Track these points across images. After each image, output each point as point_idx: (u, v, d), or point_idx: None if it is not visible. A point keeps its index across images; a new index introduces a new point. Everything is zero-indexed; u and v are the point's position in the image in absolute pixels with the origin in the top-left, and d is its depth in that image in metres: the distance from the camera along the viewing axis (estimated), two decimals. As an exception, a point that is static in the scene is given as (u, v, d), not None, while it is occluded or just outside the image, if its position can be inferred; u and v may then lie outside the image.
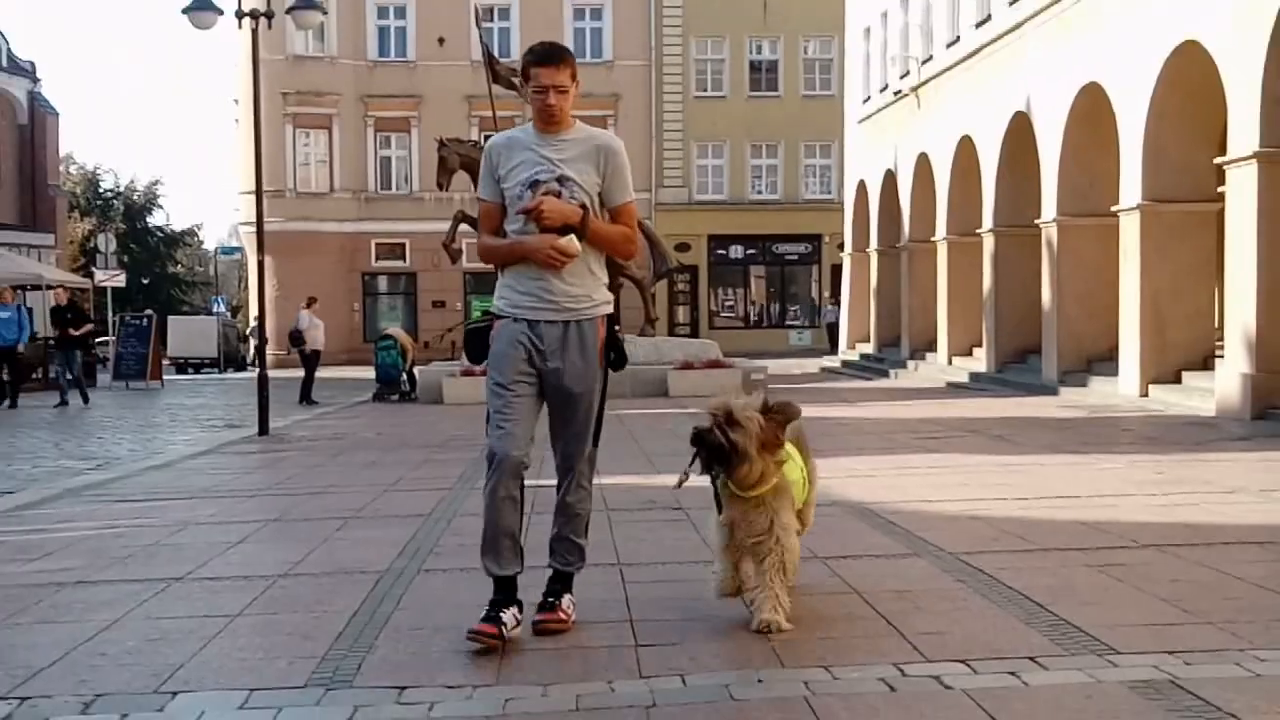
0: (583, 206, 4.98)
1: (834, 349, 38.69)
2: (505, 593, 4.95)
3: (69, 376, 22.84)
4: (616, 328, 5.33)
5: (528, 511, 5.25)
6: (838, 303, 42.60)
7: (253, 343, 36.00)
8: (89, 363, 27.76)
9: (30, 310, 43.50)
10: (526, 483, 5.13)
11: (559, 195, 4.96)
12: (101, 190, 69.46)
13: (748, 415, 4.86)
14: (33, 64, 55.52)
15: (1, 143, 48.94)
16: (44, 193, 53.19)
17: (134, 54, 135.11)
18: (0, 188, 47.56)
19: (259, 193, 17.52)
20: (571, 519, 5.24)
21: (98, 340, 35.83)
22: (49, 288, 39.79)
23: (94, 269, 40.17)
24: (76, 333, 22.93)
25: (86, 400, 22.63)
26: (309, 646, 4.78)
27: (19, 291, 24.59)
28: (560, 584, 5.20)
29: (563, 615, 5.05)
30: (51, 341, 24.94)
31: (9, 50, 53.31)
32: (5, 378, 23.07)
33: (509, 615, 4.85)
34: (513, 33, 46.24)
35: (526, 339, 5.04)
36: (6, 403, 22.28)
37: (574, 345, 5.06)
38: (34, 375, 30.47)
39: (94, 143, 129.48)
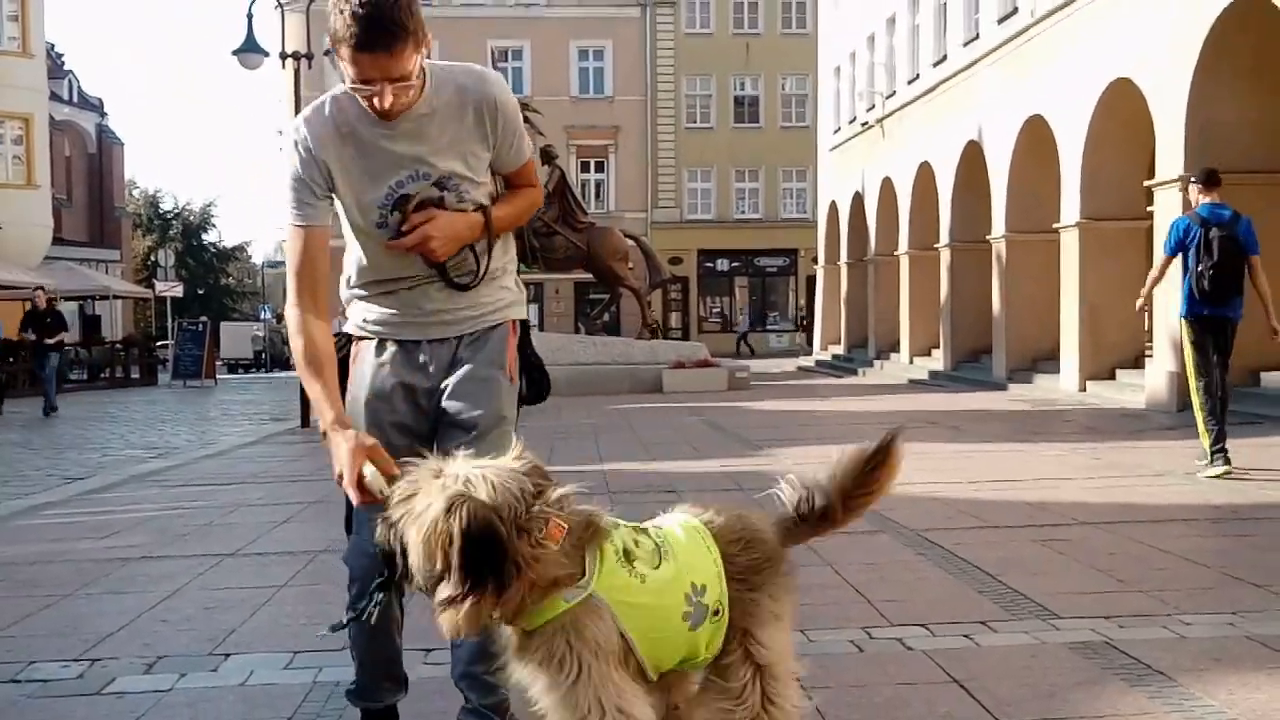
0: (480, 208, 2.97)
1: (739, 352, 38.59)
2: None
3: (43, 380, 19.94)
4: (530, 349, 3.28)
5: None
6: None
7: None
8: (61, 368, 22.95)
9: (99, 318, 43.44)
10: None
11: (442, 203, 2.91)
12: (161, 211, 69.32)
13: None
14: (100, 100, 55.51)
15: (73, 170, 48.92)
16: (110, 214, 53.18)
17: (191, 88, 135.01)
18: (72, 209, 47.53)
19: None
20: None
21: (158, 343, 35.71)
22: (116, 298, 39.83)
23: (155, 281, 40.15)
24: (50, 340, 19.81)
25: (49, 411, 19.16)
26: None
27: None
28: None
29: None
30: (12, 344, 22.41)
31: (79, 88, 53.24)
32: None
33: None
34: (524, 71, 46.24)
35: (402, 373, 3.05)
36: None
37: (473, 360, 3.05)
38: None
39: (155, 168, 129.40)
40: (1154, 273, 9.46)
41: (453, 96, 2.89)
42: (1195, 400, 9.18)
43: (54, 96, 43.51)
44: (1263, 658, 4.00)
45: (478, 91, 2.91)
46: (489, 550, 2.15)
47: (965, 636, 4.35)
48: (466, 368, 3.04)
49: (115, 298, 39.75)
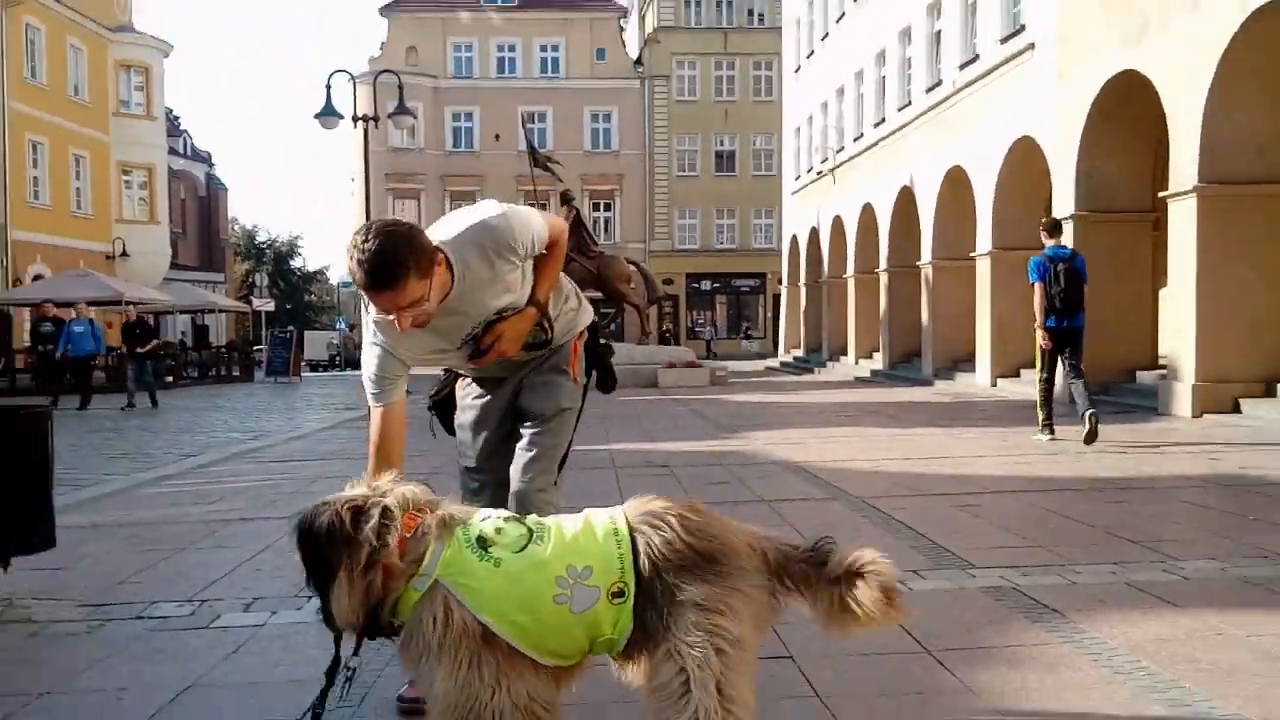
0: (532, 297, 2.96)
1: (708, 355, 38.65)
2: None
3: (145, 381, 18.72)
4: (603, 341, 3.34)
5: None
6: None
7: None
8: (160, 370, 22.75)
9: (207, 328, 43.39)
10: None
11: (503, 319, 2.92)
12: (257, 242, 69.41)
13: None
14: (209, 153, 55.60)
15: (187, 209, 48.99)
16: (216, 244, 53.28)
17: (282, 144, 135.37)
18: (186, 240, 47.58)
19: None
20: None
21: (254, 348, 35.71)
22: (220, 311, 39.89)
23: (252, 298, 40.24)
24: (143, 350, 18.61)
25: (155, 403, 18.47)
26: (405, 564, 4.74)
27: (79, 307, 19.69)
28: None
29: None
30: (121, 353, 20.44)
31: (192, 144, 53.30)
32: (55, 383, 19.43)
33: None
34: (549, 130, 46.33)
35: (496, 383, 3.18)
36: (84, 403, 18.19)
37: (546, 366, 3.14)
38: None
39: (253, 207, 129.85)
40: (1038, 299, 9.74)
41: (477, 261, 2.78)
42: (1038, 388, 10.06)
43: (172, 151, 43.58)
44: (1137, 599, 4.00)
45: (494, 244, 2.80)
46: (314, 560, 2.10)
47: (901, 583, 4.32)
48: (533, 374, 3.13)
49: (220, 311, 39.79)
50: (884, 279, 24.54)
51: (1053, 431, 9.89)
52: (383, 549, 2.05)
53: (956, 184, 20.24)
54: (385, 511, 2.10)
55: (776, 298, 42.09)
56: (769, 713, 2.88)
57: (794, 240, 35.09)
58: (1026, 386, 16.96)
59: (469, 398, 3.24)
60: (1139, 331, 15.11)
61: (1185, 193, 12.41)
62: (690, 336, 47.06)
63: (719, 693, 2.04)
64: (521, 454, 3.08)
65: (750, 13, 49.05)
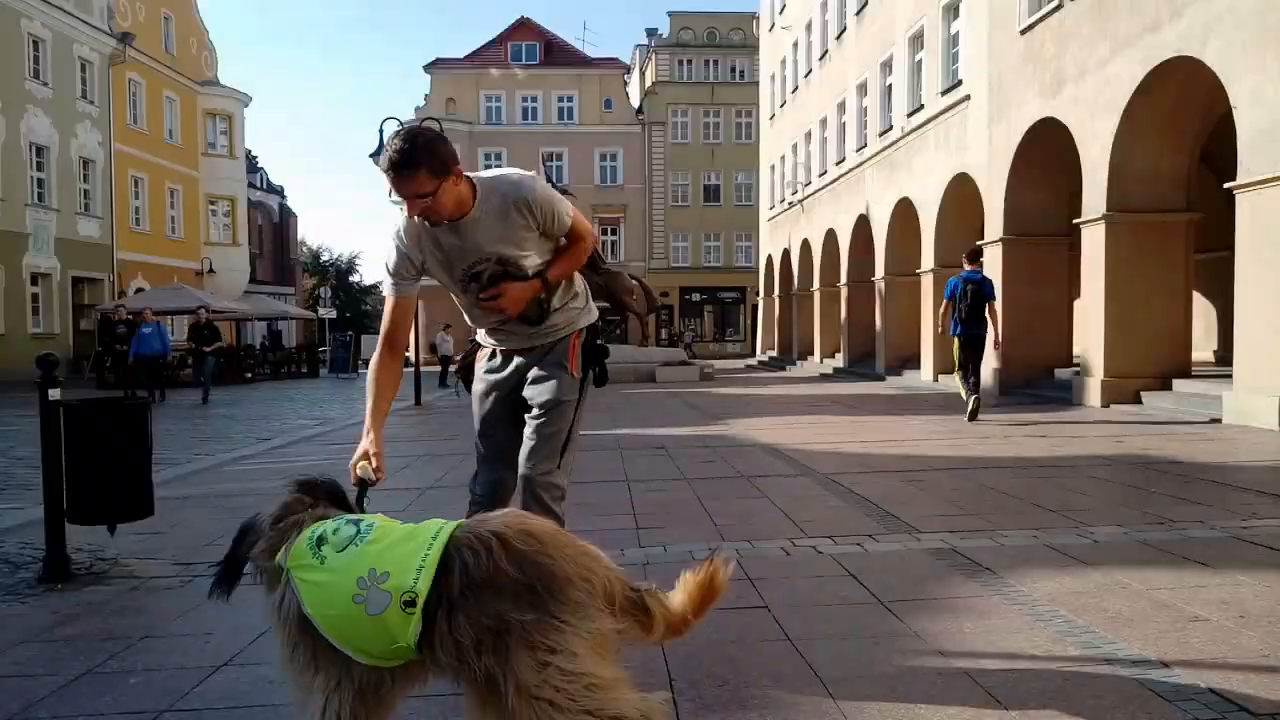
0: (539, 274, 2.83)
1: (689, 356, 38.65)
2: None
3: (203, 377, 18.00)
4: (599, 340, 3.12)
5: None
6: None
7: (410, 351, 35.88)
8: (220, 368, 21.70)
9: (280, 332, 43.24)
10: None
11: (507, 274, 2.78)
12: (322, 260, 69.26)
13: None
14: (282, 187, 55.46)
15: (263, 233, 48.90)
16: (288, 262, 53.18)
17: (343, 175, 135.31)
18: (263, 259, 47.51)
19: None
20: None
21: (320, 349, 35.66)
22: (292, 319, 39.88)
23: (318, 307, 40.14)
24: (208, 349, 18.13)
25: (206, 400, 17.23)
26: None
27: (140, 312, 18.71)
28: None
29: None
30: (191, 352, 19.41)
31: (268, 179, 53.22)
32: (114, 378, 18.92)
33: None
34: (565, 168, 46.19)
35: (503, 368, 3.02)
36: (159, 397, 17.23)
37: (546, 359, 2.96)
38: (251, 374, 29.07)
39: (319, 231, 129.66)
40: (942, 310, 10.76)
41: (496, 204, 2.72)
42: (957, 379, 10.93)
43: (251, 185, 43.55)
44: (1055, 559, 3.99)
45: (515, 195, 2.73)
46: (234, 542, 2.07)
47: (857, 545, 4.34)
48: (536, 368, 2.95)
49: (291, 319, 39.79)
50: (844, 292, 24.53)
51: (971, 399, 10.50)
52: (269, 537, 2.00)
53: (905, 212, 20.22)
54: (283, 506, 2.07)
55: (755, 307, 42.03)
56: (749, 654, 2.89)
57: (769, 259, 35.07)
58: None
59: (481, 371, 3.07)
60: (1057, 335, 15.11)
61: (1095, 219, 12.41)
62: (681, 340, 47.00)
63: None
64: (526, 442, 2.92)
65: (733, 69, 49.01)
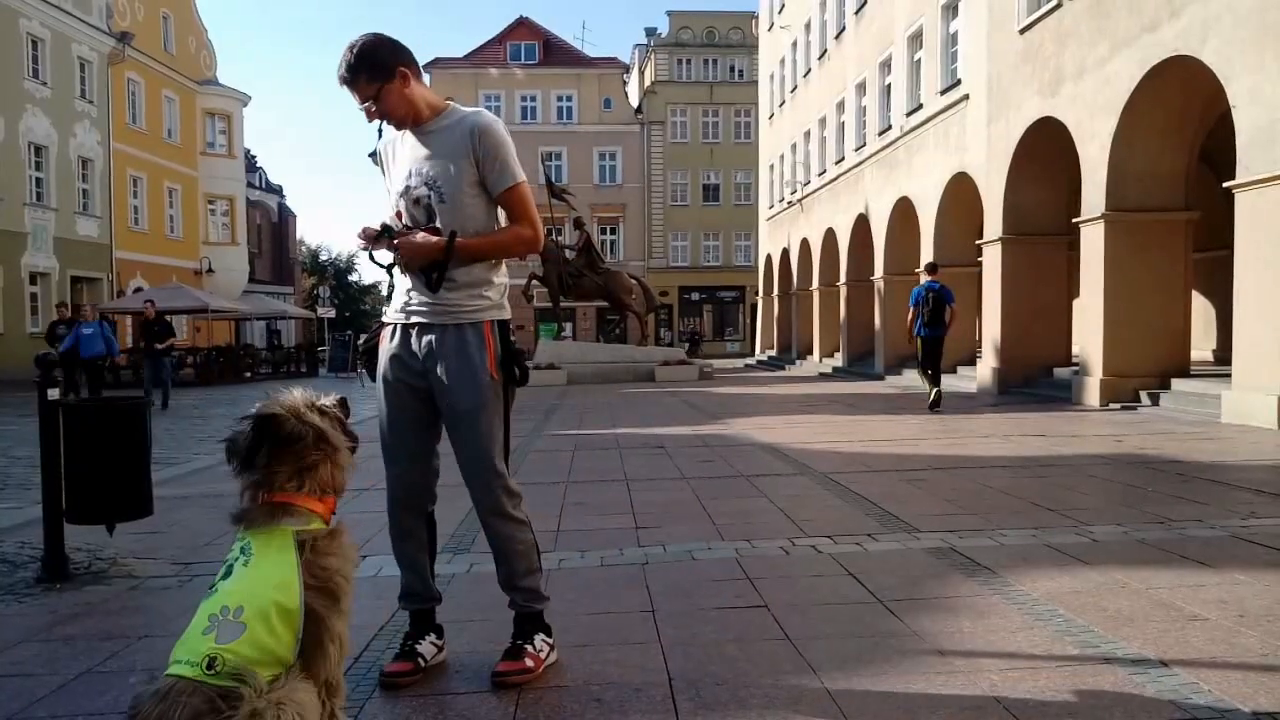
0: (452, 234, 2.62)
1: (690, 353, 38.69)
2: (420, 623, 2.83)
3: (161, 379, 15.97)
4: (513, 338, 2.79)
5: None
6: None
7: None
8: (175, 367, 19.44)
9: (279, 331, 43.17)
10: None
11: (428, 204, 2.66)
12: (320, 260, 69.19)
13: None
14: (280, 186, 55.50)
15: (262, 233, 48.88)
16: (287, 261, 53.17)
17: (341, 174, 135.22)
18: (262, 259, 47.48)
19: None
20: (506, 559, 2.76)
21: (319, 348, 35.52)
22: (290, 318, 39.84)
23: (316, 307, 40.09)
24: (160, 346, 16.07)
25: (166, 405, 15.61)
26: (446, 529, 4.72)
27: (90, 310, 16.87)
28: (527, 624, 2.78)
29: (528, 663, 2.68)
30: (142, 351, 16.77)
31: (266, 178, 53.22)
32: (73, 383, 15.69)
33: (426, 645, 2.79)
34: (564, 167, 46.18)
35: (405, 349, 2.74)
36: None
37: (453, 352, 2.68)
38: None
39: (317, 231, 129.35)
40: (910, 316, 12.12)
41: (455, 124, 2.68)
42: (921, 374, 12.37)
43: (250, 184, 43.53)
44: (1054, 558, 3.99)
45: (471, 121, 2.67)
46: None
47: (857, 544, 4.34)
48: (446, 369, 2.68)
49: (290, 318, 39.76)
50: (843, 291, 24.52)
51: (935, 393, 11.95)
52: None
53: (904, 212, 20.22)
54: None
55: (754, 306, 42.06)
56: (749, 653, 2.89)
57: (768, 259, 35.07)
58: (961, 381, 16.98)
59: (386, 353, 2.79)
60: (1056, 334, 15.12)
61: (1094, 219, 12.41)
62: (680, 340, 46.99)
63: None
64: (456, 451, 2.74)
65: (732, 69, 49.03)
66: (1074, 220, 13.27)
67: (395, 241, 2.66)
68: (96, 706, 2.59)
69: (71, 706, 2.59)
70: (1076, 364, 13.48)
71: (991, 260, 15.60)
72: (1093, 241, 12.52)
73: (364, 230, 2.72)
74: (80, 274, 29.69)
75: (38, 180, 27.75)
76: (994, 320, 15.45)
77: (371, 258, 2.76)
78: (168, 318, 16.76)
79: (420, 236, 2.65)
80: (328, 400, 2.17)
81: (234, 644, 1.80)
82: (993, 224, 15.51)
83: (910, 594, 3.49)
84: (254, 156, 50.31)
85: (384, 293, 2.89)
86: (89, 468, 3.99)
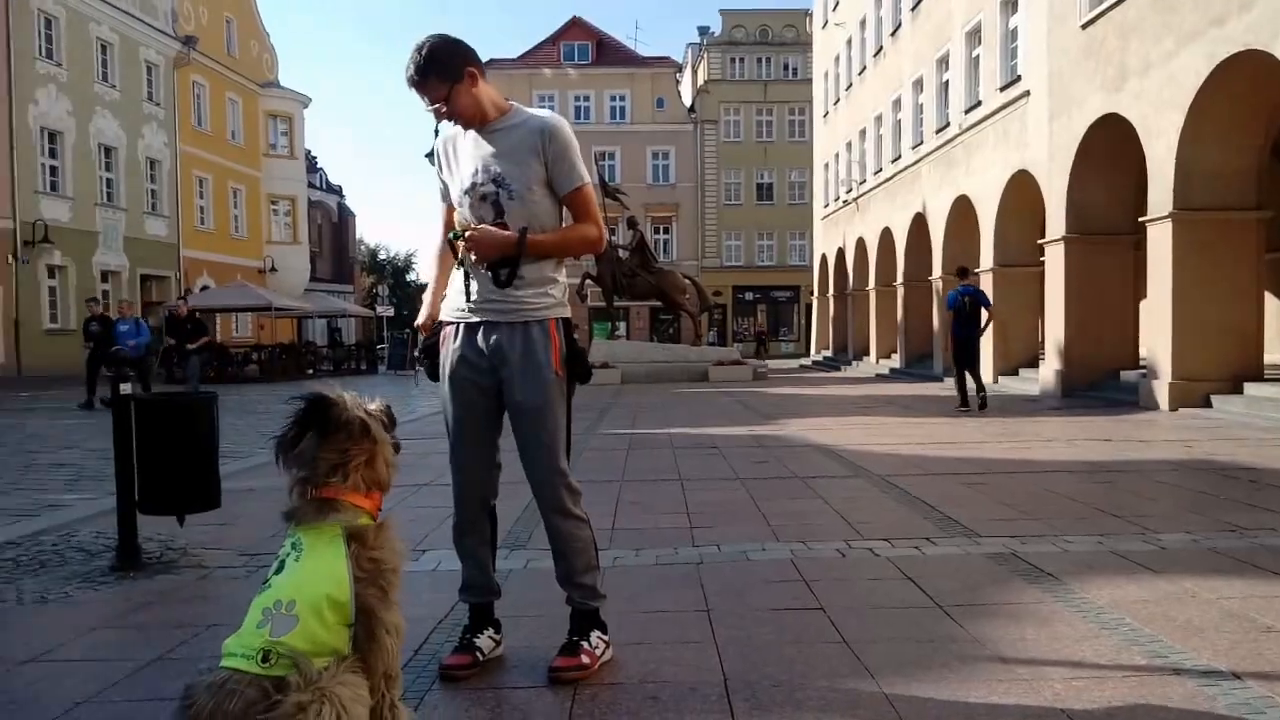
0: (520, 230, 2.64)
1: (757, 352, 38.40)
2: (479, 617, 2.87)
3: (187, 378, 15.74)
4: (575, 336, 2.81)
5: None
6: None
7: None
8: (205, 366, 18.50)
9: (340, 330, 43.92)
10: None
11: (496, 201, 2.67)
12: (379, 259, 70.34)
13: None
14: (340, 186, 56.51)
15: (323, 232, 49.87)
16: (347, 261, 54.19)
17: (399, 175, 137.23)
18: (322, 258, 48.43)
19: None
20: (565, 556, 2.78)
21: (378, 346, 36.02)
22: (350, 317, 40.55)
23: (376, 305, 40.77)
24: (191, 345, 15.53)
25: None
26: (503, 525, 4.76)
27: (150, 307, 17.42)
28: (584, 621, 2.79)
29: (584, 660, 2.70)
30: (172, 346, 16.19)
31: (327, 179, 54.23)
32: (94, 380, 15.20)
33: (484, 639, 2.83)
34: (617, 166, 46.26)
35: (471, 348, 2.74)
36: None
37: (521, 350, 2.70)
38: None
39: (376, 230, 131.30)
40: (949, 319, 12.46)
41: (523, 123, 2.70)
42: (960, 374, 12.36)
43: (311, 185, 44.42)
44: (1120, 565, 3.90)
45: (540, 121, 2.70)
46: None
47: (915, 548, 4.29)
48: (514, 367, 2.70)
49: (350, 316, 40.45)
50: (900, 291, 24.23)
51: (963, 407, 12.15)
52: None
53: (963, 210, 19.92)
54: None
55: (809, 306, 41.78)
56: (805, 654, 2.87)
57: (823, 258, 34.80)
58: (1024, 384, 16.69)
59: (452, 351, 2.79)
60: (1122, 336, 14.77)
61: (1161, 217, 12.10)
62: (734, 340, 46.83)
63: None
64: (529, 457, 2.75)
65: (786, 67, 48.72)
66: (1140, 219, 12.95)
67: (467, 235, 2.66)
68: (167, 692, 2.66)
69: (144, 691, 2.68)
70: (1144, 367, 13.15)
71: (1054, 260, 15.28)
72: (1159, 241, 12.20)
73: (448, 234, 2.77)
74: (149, 272, 30.58)
75: (108, 181, 28.65)
76: (1057, 321, 15.13)
77: (456, 256, 2.73)
78: (199, 314, 16.05)
79: (494, 231, 2.66)
80: (373, 405, 2.19)
81: (287, 637, 1.86)
82: (1055, 223, 15.19)
83: (970, 599, 3.43)
84: (314, 157, 51.33)
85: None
86: (161, 461, 4.11)
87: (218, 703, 1.76)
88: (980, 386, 12.25)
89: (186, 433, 4.15)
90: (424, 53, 2.60)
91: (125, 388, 4.11)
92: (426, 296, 2.87)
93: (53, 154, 26.34)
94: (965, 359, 12.25)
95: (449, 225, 2.84)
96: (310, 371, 28.06)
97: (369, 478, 2.10)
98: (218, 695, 1.77)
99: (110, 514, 4.55)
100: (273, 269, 36.89)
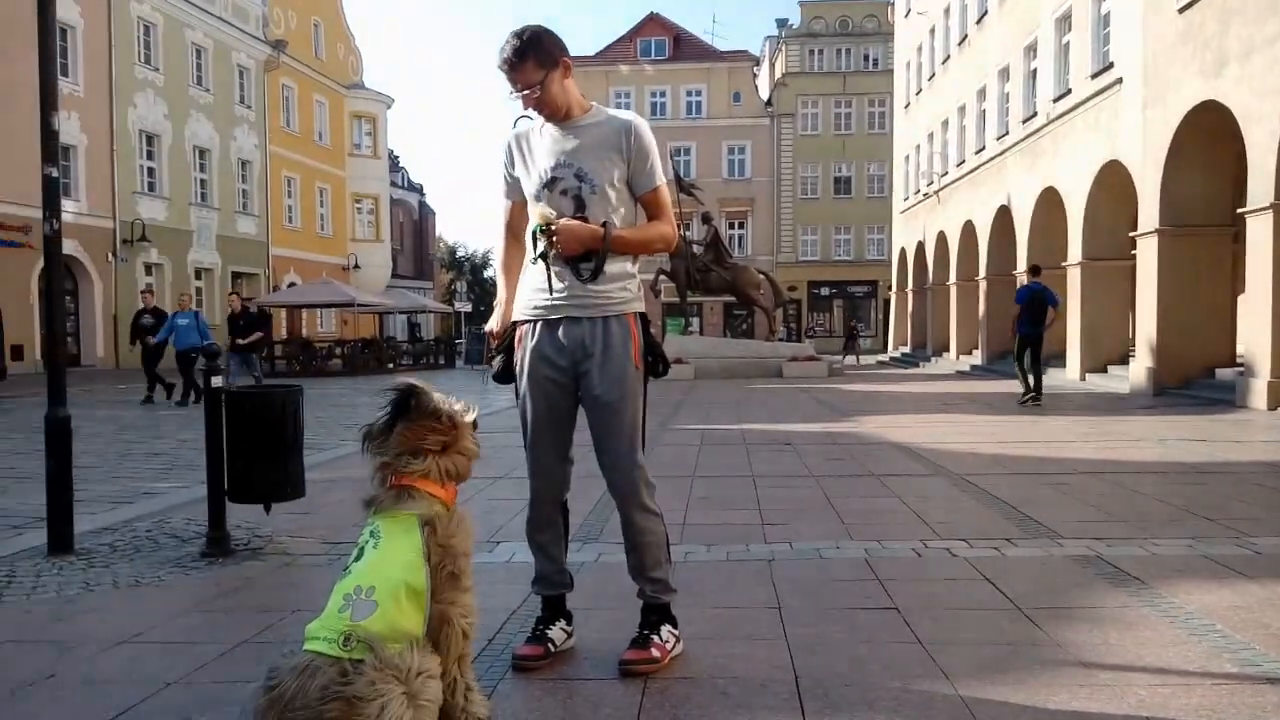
0: (603, 224, 2.64)
1: (845, 348, 37.74)
2: (551, 609, 2.89)
3: (254, 375, 14.52)
4: (652, 329, 2.82)
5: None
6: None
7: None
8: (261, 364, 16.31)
9: (419, 325, 44.82)
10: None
11: (578, 195, 2.67)
12: (458, 256, 71.46)
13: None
14: (421, 185, 57.65)
15: (404, 230, 50.94)
16: (427, 257, 55.27)
17: (478, 172, 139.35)
18: (404, 255, 49.48)
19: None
20: (639, 549, 2.78)
21: (456, 341, 36.61)
22: (430, 312, 41.37)
23: (455, 301, 41.47)
24: (244, 341, 14.43)
25: (185, 401, 14.17)
26: (575, 519, 4.80)
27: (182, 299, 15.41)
28: (654, 615, 2.81)
29: (655, 653, 2.70)
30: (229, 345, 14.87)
31: (408, 178, 55.39)
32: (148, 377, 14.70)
33: (556, 631, 2.85)
34: (692, 162, 46.23)
35: (551, 344, 2.73)
36: (194, 399, 13.91)
37: (603, 345, 2.70)
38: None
39: (455, 228, 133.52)
40: (1016, 314, 12.88)
41: (605, 121, 2.71)
42: (1018, 369, 12.78)
43: (393, 184, 45.42)
44: (1212, 570, 3.75)
45: (622, 121, 2.71)
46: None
47: (994, 549, 4.19)
48: (594, 360, 2.70)
49: (429, 312, 41.26)
50: (983, 285, 23.68)
51: (1025, 400, 12.57)
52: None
53: (1049, 202, 19.39)
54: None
55: (886, 301, 41.10)
56: (879, 654, 2.83)
57: (902, 252, 34.23)
58: (1112, 381, 16.15)
59: (533, 349, 2.78)
60: (1218, 333, 14.16)
61: (1261, 209, 11.57)
62: (809, 336, 46.33)
63: None
64: (599, 442, 2.76)
65: (866, 58, 47.95)
66: (1239, 211, 12.40)
67: (554, 227, 2.63)
68: (253, 675, 2.76)
69: (231, 673, 2.78)
70: (1241, 365, 12.60)
71: (1147, 253, 14.73)
72: (1259, 234, 11.66)
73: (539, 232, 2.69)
74: (240, 269, 31.69)
75: (201, 181, 29.77)
76: (1149, 317, 14.59)
77: (536, 249, 2.68)
78: (253, 309, 15.40)
79: (579, 224, 2.65)
80: (459, 405, 2.26)
81: (367, 621, 1.94)
82: (1148, 215, 14.64)
83: (1052, 602, 3.34)
84: (396, 157, 52.44)
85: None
86: (249, 451, 4.26)
87: (300, 684, 1.84)
88: (1039, 383, 12.58)
89: (273, 425, 4.29)
90: (525, 37, 2.61)
91: (216, 381, 4.27)
92: (499, 303, 2.86)
93: (150, 156, 27.49)
94: (1033, 354, 12.59)
95: (511, 224, 2.85)
96: (391, 366, 28.70)
97: (447, 467, 2.18)
98: (300, 677, 1.85)
99: (201, 502, 4.74)
100: (356, 266, 37.85)
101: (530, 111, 2.72)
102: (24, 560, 4.20)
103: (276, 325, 32.58)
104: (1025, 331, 12.58)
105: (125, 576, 3.92)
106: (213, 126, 29.91)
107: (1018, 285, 20.91)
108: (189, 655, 2.93)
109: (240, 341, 14.48)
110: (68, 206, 22.39)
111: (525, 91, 2.61)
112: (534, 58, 2.59)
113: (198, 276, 29.43)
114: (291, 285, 32.64)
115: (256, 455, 4.27)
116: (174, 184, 28.24)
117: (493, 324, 2.82)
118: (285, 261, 34.13)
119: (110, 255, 25.65)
